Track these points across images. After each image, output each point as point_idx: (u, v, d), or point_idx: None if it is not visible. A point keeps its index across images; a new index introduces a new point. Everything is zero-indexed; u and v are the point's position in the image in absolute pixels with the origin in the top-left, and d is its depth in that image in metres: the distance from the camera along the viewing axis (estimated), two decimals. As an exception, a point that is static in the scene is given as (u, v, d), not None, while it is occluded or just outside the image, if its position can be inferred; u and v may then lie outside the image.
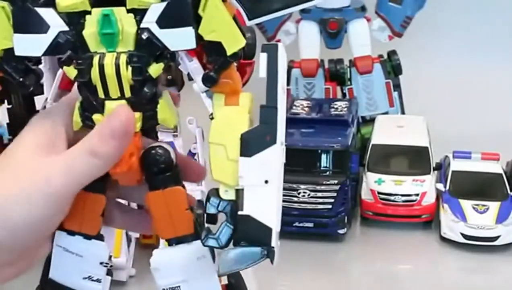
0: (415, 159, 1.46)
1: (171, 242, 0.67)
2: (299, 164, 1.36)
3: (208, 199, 0.62)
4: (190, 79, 1.15)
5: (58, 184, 0.60)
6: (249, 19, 0.62)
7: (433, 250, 1.37)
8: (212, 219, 0.62)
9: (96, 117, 0.62)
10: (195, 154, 1.26)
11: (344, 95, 1.72)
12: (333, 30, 1.68)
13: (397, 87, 1.71)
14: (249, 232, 0.60)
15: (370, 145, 1.49)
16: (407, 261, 1.35)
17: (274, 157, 0.60)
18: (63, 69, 0.62)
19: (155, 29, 0.60)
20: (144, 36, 0.60)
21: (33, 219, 0.60)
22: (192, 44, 0.60)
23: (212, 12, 0.60)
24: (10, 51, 0.62)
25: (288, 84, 1.70)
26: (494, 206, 1.34)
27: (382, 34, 1.69)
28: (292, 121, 1.47)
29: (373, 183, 1.42)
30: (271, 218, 0.60)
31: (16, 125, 1.39)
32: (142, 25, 0.60)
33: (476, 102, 1.95)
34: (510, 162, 1.44)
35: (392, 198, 1.40)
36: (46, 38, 0.61)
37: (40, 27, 0.60)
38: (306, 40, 1.71)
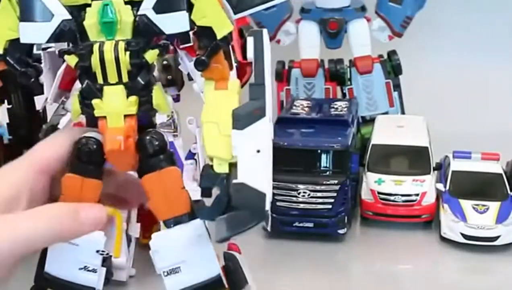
0: (415, 159, 1.46)
1: (168, 223, 0.69)
2: (299, 164, 1.36)
3: (202, 174, 0.66)
4: (190, 79, 1.16)
5: (5, 249, 0.61)
6: (235, 13, 0.68)
7: (433, 250, 1.37)
8: (207, 192, 0.66)
9: (95, 102, 0.66)
10: (195, 154, 1.26)
11: (344, 95, 1.72)
12: (333, 30, 1.68)
13: (397, 87, 1.71)
14: (244, 198, 0.64)
15: (370, 145, 1.49)
16: (407, 261, 1.35)
17: (264, 128, 0.65)
18: (64, 58, 0.66)
19: (151, 14, 0.65)
20: (142, 21, 0.65)
21: None
22: (186, 27, 0.66)
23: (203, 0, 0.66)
24: (15, 42, 0.66)
25: (288, 84, 1.71)
26: (494, 206, 1.34)
27: (382, 34, 1.69)
28: (292, 121, 1.47)
29: (373, 183, 1.42)
30: (264, 184, 0.64)
31: (16, 125, 1.39)
32: (139, 12, 0.65)
33: (476, 102, 1.95)
34: (510, 162, 1.44)
35: (392, 198, 1.40)
36: (50, 26, 0.65)
37: (45, 15, 0.65)
38: (306, 40, 1.71)
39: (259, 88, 0.65)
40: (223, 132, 0.65)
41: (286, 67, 1.72)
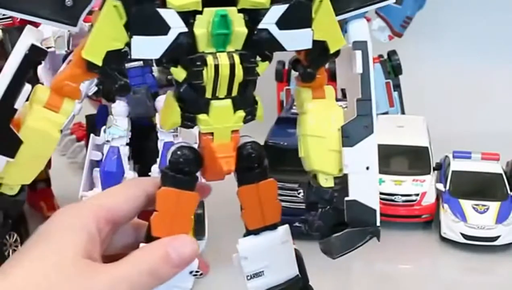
0: (415, 159, 1.46)
1: (251, 232, 0.68)
2: (299, 164, 1.36)
3: (309, 188, 0.67)
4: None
5: None
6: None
7: (433, 250, 1.37)
8: (313, 206, 0.68)
9: (201, 117, 0.61)
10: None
11: (344, 95, 1.72)
12: (333, 30, 1.67)
13: (397, 87, 1.71)
14: (357, 215, 0.66)
15: (370, 145, 1.49)
16: (407, 261, 1.35)
17: (373, 145, 0.66)
18: (170, 70, 0.60)
19: (274, 30, 0.61)
20: (263, 36, 0.60)
21: None
22: (309, 44, 0.63)
23: (324, 14, 0.64)
24: (113, 53, 0.58)
25: (288, 84, 1.71)
26: (494, 206, 1.34)
27: (382, 34, 1.69)
28: (292, 121, 1.46)
29: (373, 183, 1.42)
30: (374, 200, 0.66)
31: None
32: (260, 26, 0.60)
33: (476, 102, 1.95)
34: (510, 162, 1.44)
35: (392, 198, 1.40)
36: (166, 39, 0.58)
37: (161, 28, 0.58)
38: (306, 40, 1.70)
39: (367, 104, 0.67)
40: (331, 147, 0.66)
41: (286, 67, 1.72)
